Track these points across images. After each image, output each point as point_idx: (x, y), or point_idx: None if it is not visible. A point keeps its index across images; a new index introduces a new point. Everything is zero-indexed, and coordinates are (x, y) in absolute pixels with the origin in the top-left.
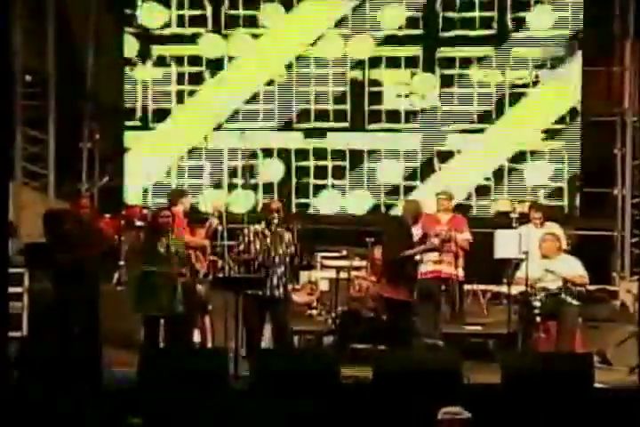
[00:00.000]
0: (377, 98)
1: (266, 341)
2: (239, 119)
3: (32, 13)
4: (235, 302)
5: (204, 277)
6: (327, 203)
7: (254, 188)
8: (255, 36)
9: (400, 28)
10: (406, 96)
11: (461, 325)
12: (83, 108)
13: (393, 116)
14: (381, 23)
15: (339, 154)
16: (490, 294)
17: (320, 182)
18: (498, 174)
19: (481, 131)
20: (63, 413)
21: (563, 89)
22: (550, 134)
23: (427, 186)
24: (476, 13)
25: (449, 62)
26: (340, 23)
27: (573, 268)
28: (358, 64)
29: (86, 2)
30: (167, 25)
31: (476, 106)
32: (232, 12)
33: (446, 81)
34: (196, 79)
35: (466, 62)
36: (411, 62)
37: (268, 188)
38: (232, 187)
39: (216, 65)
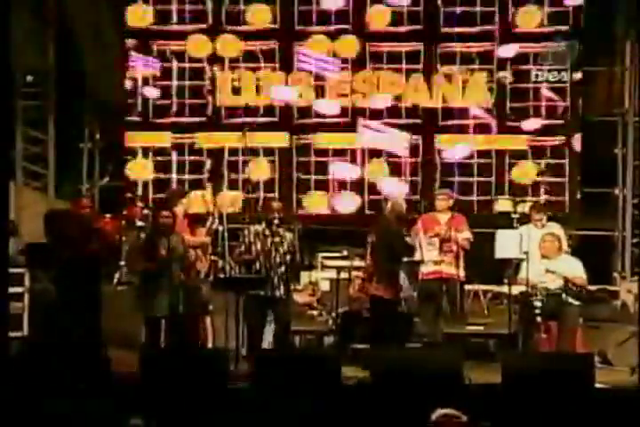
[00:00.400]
0: None
1: (267, 341)
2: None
3: (32, 13)
4: (235, 302)
5: (204, 278)
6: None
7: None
8: None
9: None
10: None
11: (462, 325)
12: (83, 109)
13: None
14: None
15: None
16: (491, 294)
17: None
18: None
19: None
20: (64, 413)
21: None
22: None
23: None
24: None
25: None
26: None
27: (574, 268)
28: None
29: (86, 1)
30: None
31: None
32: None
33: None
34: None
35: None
36: None
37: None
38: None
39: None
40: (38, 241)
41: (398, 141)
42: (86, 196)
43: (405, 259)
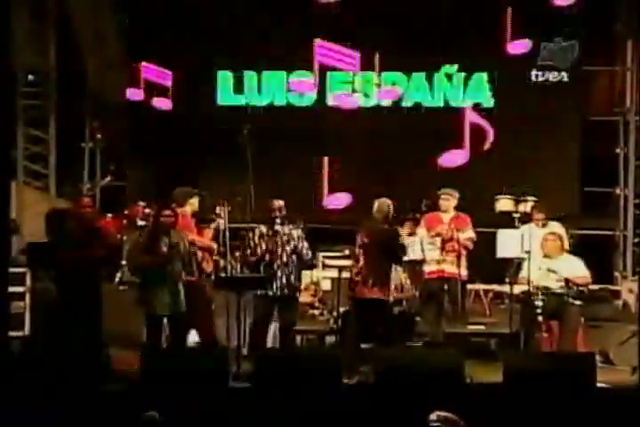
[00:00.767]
0: None
1: (270, 340)
2: None
3: (33, 13)
4: (236, 301)
5: (206, 277)
6: None
7: None
8: None
9: None
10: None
11: (464, 324)
12: (84, 108)
13: None
14: None
15: None
16: (492, 293)
17: None
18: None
19: None
20: (65, 412)
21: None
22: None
23: None
24: None
25: None
26: None
27: (575, 268)
28: None
29: (87, 1)
30: None
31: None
32: None
33: None
34: None
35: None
36: None
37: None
38: None
39: None
40: (39, 240)
41: None
42: (87, 195)
43: (406, 258)
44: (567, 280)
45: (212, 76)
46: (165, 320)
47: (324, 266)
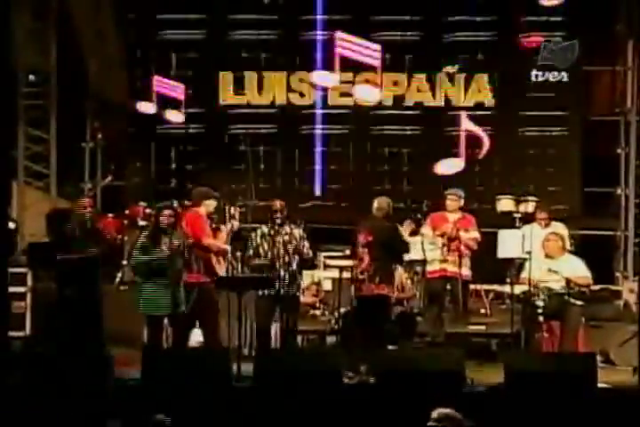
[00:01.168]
0: None
1: (273, 340)
2: None
3: (34, 13)
4: (238, 301)
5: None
6: None
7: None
8: None
9: None
10: None
11: (464, 324)
12: (85, 108)
13: None
14: None
15: None
16: (493, 293)
17: None
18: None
19: None
20: (66, 412)
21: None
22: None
23: None
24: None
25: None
26: None
27: (576, 268)
28: None
29: (88, 1)
30: None
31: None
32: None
33: None
34: None
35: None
36: None
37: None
38: None
39: None
40: (40, 240)
41: None
42: (88, 195)
43: (407, 258)
44: (568, 280)
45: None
46: (167, 320)
47: (326, 266)
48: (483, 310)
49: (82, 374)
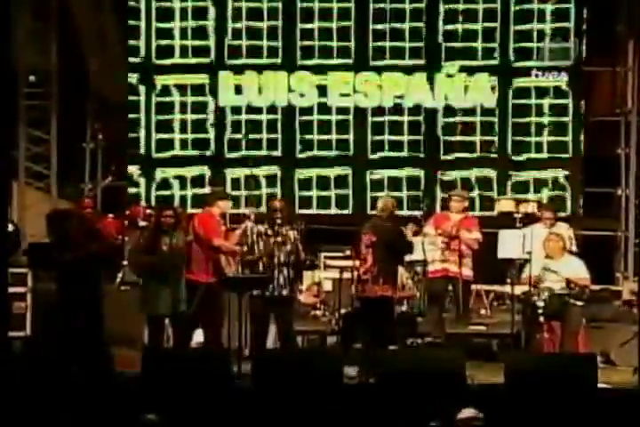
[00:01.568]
0: None
1: (270, 341)
2: None
3: (35, 13)
4: (238, 302)
5: None
6: None
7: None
8: None
9: None
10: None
11: (465, 325)
12: (86, 109)
13: None
14: None
15: None
16: (493, 294)
17: None
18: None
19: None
20: (66, 413)
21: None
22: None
23: None
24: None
25: None
26: None
27: (576, 269)
28: None
29: (89, 1)
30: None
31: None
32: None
33: None
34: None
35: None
36: None
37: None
38: None
39: None
40: (41, 241)
41: None
42: (89, 196)
43: (407, 258)
44: (568, 281)
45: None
46: (168, 320)
47: (326, 267)
48: (483, 311)
49: (82, 374)
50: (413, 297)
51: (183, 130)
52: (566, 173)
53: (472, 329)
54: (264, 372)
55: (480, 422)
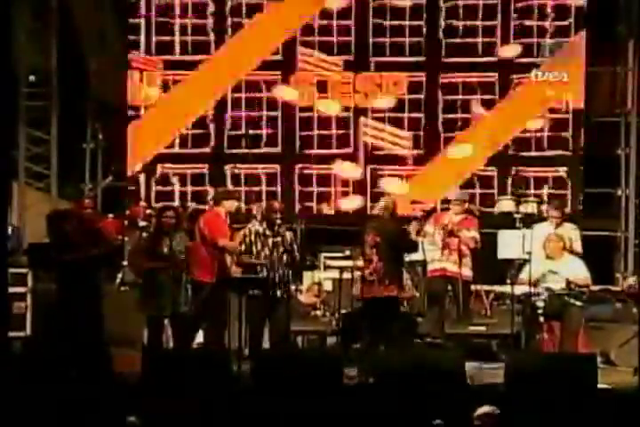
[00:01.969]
0: None
1: (266, 341)
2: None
3: (35, 13)
4: (238, 302)
5: None
6: None
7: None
8: None
9: None
10: None
11: (465, 325)
12: (86, 109)
13: None
14: None
15: None
16: (493, 294)
17: None
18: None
19: None
20: (66, 413)
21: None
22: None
23: None
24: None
25: None
26: None
27: (576, 269)
28: None
29: (89, 1)
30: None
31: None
32: None
33: None
34: None
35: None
36: None
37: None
38: None
39: None
40: (41, 241)
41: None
42: (89, 196)
43: (407, 259)
44: (568, 281)
45: None
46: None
47: (326, 267)
48: (483, 311)
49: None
50: (413, 298)
51: None
52: (566, 168)
53: (472, 329)
54: (264, 372)
55: (496, 419)
